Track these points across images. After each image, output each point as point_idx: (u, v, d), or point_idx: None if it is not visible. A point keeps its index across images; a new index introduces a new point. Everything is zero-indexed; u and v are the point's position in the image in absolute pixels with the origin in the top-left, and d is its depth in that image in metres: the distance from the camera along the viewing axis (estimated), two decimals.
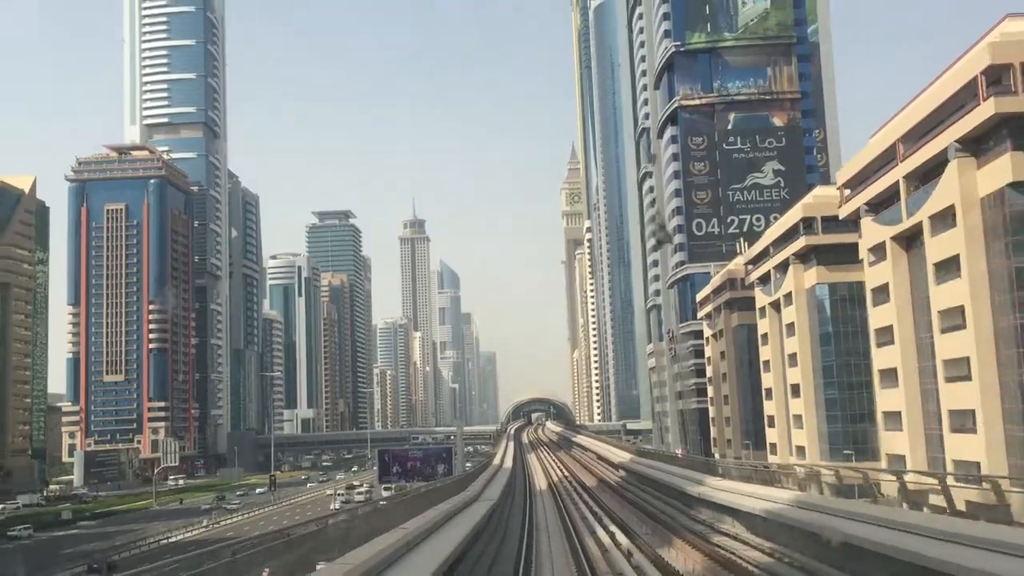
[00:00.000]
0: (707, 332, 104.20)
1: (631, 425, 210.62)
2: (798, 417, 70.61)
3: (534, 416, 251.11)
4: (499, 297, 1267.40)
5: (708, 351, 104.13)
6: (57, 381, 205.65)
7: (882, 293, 53.15)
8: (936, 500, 29.99)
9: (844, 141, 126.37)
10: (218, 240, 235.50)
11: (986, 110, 40.67)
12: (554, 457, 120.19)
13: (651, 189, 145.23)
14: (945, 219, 44.87)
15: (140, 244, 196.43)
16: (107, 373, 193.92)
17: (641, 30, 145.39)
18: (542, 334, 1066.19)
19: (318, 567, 20.99)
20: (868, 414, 58.83)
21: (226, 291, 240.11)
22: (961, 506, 30.12)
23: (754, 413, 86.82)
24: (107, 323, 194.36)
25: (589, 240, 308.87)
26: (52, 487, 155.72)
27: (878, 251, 53.53)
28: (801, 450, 69.37)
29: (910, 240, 50.51)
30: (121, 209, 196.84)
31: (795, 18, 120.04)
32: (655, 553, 35.91)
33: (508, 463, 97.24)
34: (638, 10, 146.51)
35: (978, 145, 42.75)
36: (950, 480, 32.52)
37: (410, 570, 23.67)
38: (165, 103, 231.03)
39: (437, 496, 44.21)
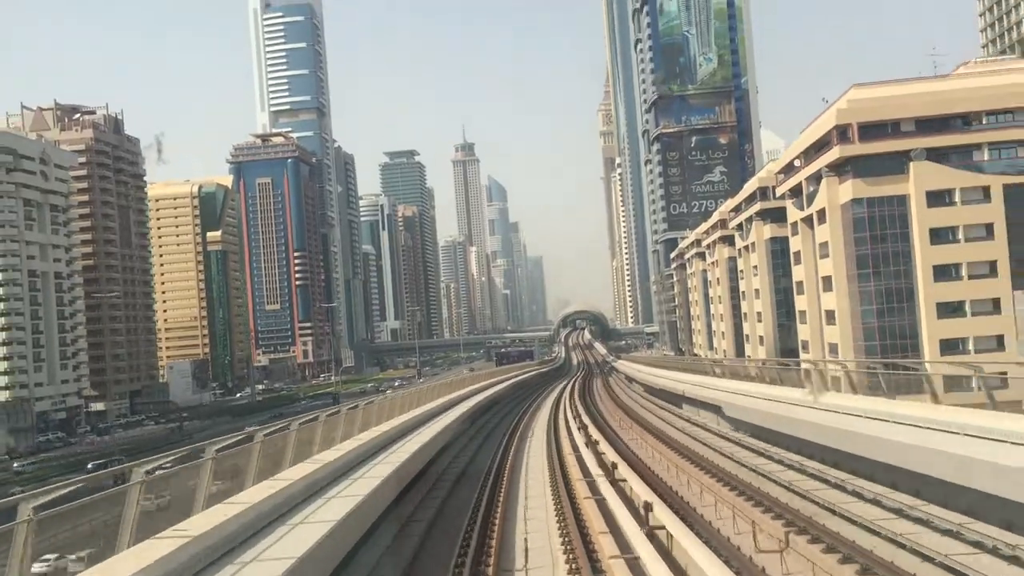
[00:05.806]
0: (675, 277, 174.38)
1: (647, 329, 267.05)
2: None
3: (577, 322, 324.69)
4: (543, 202, 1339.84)
5: (676, 288, 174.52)
6: None
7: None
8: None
9: (765, 152, 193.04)
10: (331, 197, 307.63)
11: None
12: (582, 353, 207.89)
13: (651, 171, 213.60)
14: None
15: (284, 208, 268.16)
16: (267, 303, 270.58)
17: (643, 60, 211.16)
18: (584, 236, 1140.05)
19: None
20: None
21: (338, 236, 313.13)
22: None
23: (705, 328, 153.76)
24: (264, 267, 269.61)
25: (620, 174, 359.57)
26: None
27: None
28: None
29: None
30: (268, 183, 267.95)
31: (733, 73, 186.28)
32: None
33: (563, 354, 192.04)
34: (639, 46, 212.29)
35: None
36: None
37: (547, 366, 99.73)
38: (286, 94, 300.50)
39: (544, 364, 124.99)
